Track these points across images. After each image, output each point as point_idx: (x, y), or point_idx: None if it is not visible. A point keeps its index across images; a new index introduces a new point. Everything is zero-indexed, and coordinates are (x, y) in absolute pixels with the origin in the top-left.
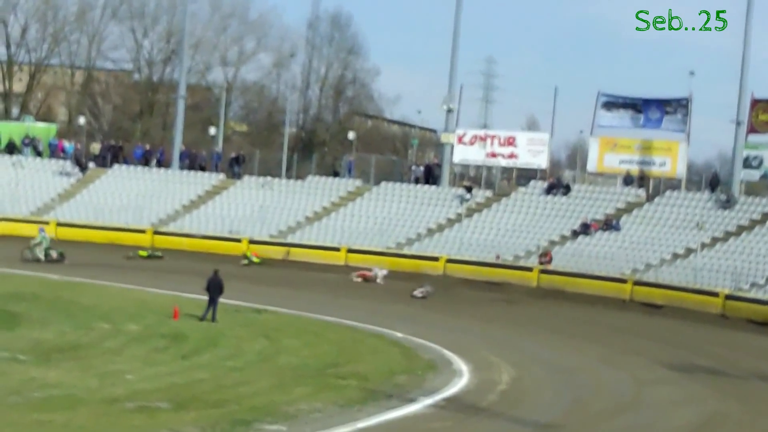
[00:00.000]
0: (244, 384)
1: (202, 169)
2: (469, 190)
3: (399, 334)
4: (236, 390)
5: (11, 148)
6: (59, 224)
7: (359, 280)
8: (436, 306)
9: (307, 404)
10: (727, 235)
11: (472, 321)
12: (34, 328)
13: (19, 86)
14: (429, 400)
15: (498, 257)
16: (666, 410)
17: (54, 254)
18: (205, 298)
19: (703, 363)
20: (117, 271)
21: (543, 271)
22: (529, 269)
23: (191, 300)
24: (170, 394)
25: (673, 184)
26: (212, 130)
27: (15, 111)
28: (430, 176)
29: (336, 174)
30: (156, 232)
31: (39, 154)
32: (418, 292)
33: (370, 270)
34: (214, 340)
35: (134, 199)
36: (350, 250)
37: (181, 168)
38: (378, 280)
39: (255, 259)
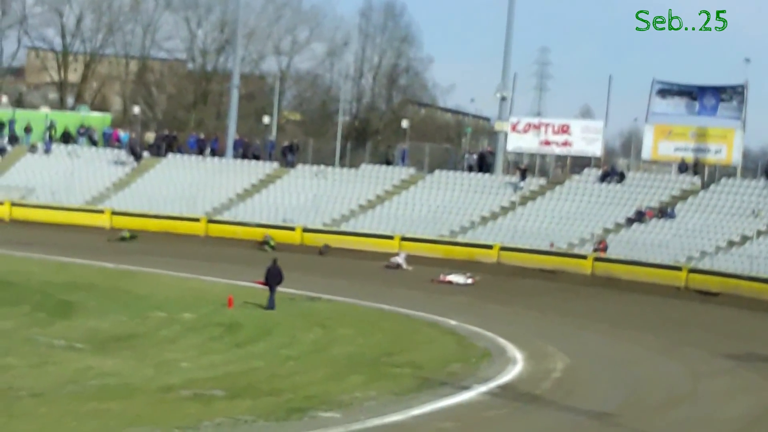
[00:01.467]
0: (299, 373)
1: (256, 158)
2: (523, 173)
3: (453, 323)
4: (291, 379)
5: (67, 138)
6: (114, 213)
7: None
8: (490, 295)
9: (362, 392)
10: None
11: (526, 309)
12: (91, 317)
13: (74, 76)
14: (483, 388)
15: (552, 245)
16: (723, 401)
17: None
18: (258, 286)
19: (760, 352)
20: (171, 260)
21: (597, 259)
22: (584, 257)
23: (246, 289)
24: (225, 383)
25: (728, 171)
26: (266, 119)
27: (70, 101)
28: (484, 164)
29: (389, 162)
30: (210, 221)
31: (94, 143)
32: (395, 261)
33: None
34: (268, 329)
35: (188, 188)
36: (404, 239)
37: (235, 157)
38: (403, 266)
39: (272, 242)
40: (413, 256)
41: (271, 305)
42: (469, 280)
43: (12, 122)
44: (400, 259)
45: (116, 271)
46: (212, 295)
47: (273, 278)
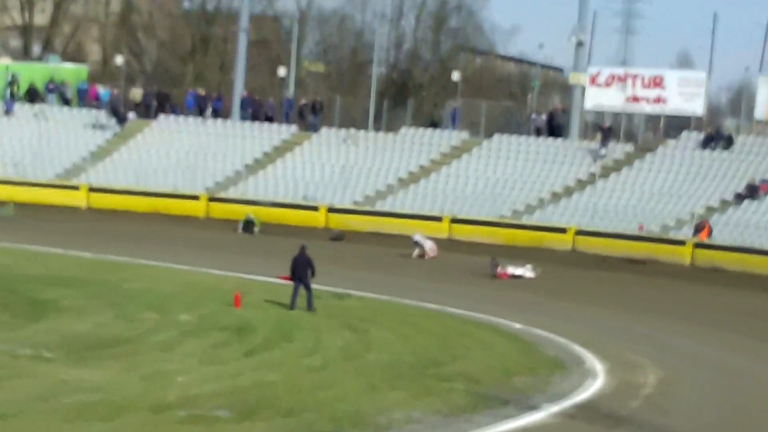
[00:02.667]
0: (324, 387)
1: (270, 120)
2: (605, 138)
3: (517, 325)
4: (315, 395)
5: (33, 96)
6: (92, 190)
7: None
8: (563, 290)
9: (403, 412)
10: None
11: (609, 309)
12: (66, 318)
13: (41, 18)
14: (555, 408)
15: (641, 228)
16: None
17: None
18: (279, 282)
19: None
20: (164, 248)
21: (698, 246)
22: (681, 243)
23: (258, 283)
24: (232, 400)
25: None
26: (282, 72)
27: (37, 49)
28: (555, 127)
29: (436, 125)
30: (212, 199)
31: (67, 102)
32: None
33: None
34: (286, 333)
35: (185, 158)
36: (455, 220)
37: (243, 119)
38: (427, 256)
39: (257, 223)
40: (465, 242)
41: (294, 304)
42: (533, 274)
43: None
44: (423, 243)
45: (97, 262)
46: (216, 292)
47: (302, 270)
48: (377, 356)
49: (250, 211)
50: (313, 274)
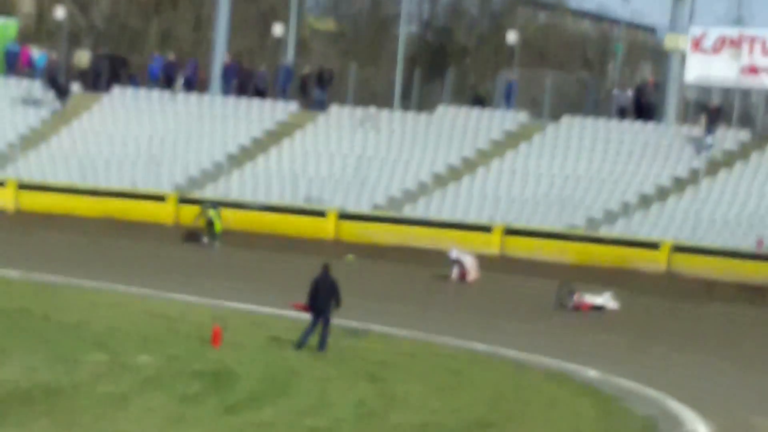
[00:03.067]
0: None
1: (261, 95)
2: (712, 122)
3: (592, 373)
4: None
5: None
6: (21, 186)
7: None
8: (655, 327)
9: None
10: None
11: (716, 353)
12: None
13: None
14: None
15: (761, 243)
16: None
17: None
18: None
19: None
20: (119, 267)
21: None
22: None
23: (242, 313)
24: None
25: None
26: (277, 30)
27: None
28: (645, 107)
29: (484, 103)
30: (183, 200)
31: None
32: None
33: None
34: (281, 384)
35: (147, 145)
36: (509, 232)
37: (226, 93)
38: (468, 278)
39: (217, 222)
40: (523, 261)
41: (306, 340)
42: (615, 304)
43: None
44: (463, 260)
45: (25, 284)
46: (186, 325)
47: (325, 298)
48: (404, 417)
49: (211, 213)
50: (338, 304)
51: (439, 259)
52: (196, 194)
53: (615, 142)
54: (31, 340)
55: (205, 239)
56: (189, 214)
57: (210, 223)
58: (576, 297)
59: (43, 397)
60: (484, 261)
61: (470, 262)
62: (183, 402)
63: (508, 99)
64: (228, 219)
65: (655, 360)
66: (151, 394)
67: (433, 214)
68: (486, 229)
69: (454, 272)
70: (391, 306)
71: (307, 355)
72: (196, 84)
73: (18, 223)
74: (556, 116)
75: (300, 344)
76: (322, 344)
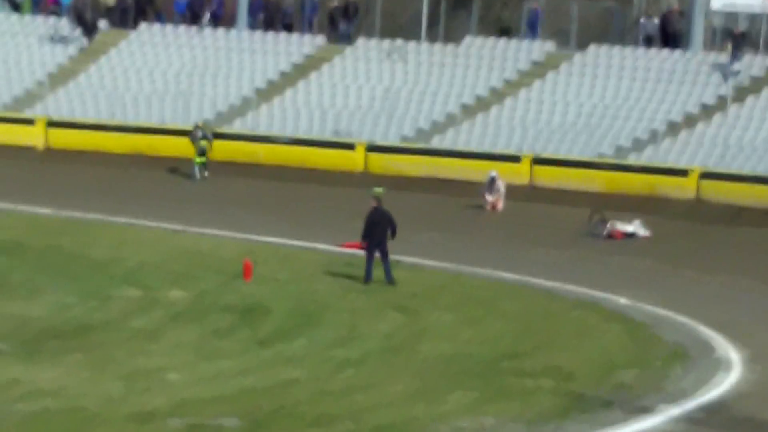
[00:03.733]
0: (363, 388)
1: (288, 28)
2: (738, 48)
3: (622, 301)
4: (351, 398)
5: None
6: (51, 124)
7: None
8: (685, 254)
9: (470, 420)
10: None
11: (747, 277)
12: (15, 297)
13: None
14: (675, 410)
15: None
16: None
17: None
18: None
19: None
20: (148, 202)
21: None
22: None
23: (273, 247)
24: (241, 406)
25: None
26: None
27: None
28: (671, 35)
29: (510, 33)
30: (212, 135)
31: (15, 8)
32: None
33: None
34: (312, 316)
35: (174, 81)
36: (538, 161)
37: (252, 28)
38: (498, 205)
39: (197, 160)
40: (552, 190)
41: (387, 276)
42: (646, 232)
43: None
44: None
45: (57, 221)
46: (217, 260)
47: (380, 232)
48: (434, 346)
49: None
50: (393, 234)
51: (467, 190)
52: (225, 129)
53: (642, 70)
54: (63, 277)
55: (197, 172)
56: (219, 150)
57: (202, 153)
58: (609, 225)
59: (76, 333)
60: (513, 190)
61: (503, 189)
62: (215, 336)
63: (534, 29)
64: (258, 152)
65: (686, 285)
66: (184, 328)
67: (461, 145)
68: (515, 158)
69: (489, 197)
70: (420, 237)
71: (338, 288)
72: (222, 18)
73: (48, 160)
74: (582, 45)
75: (368, 278)
76: (389, 277)
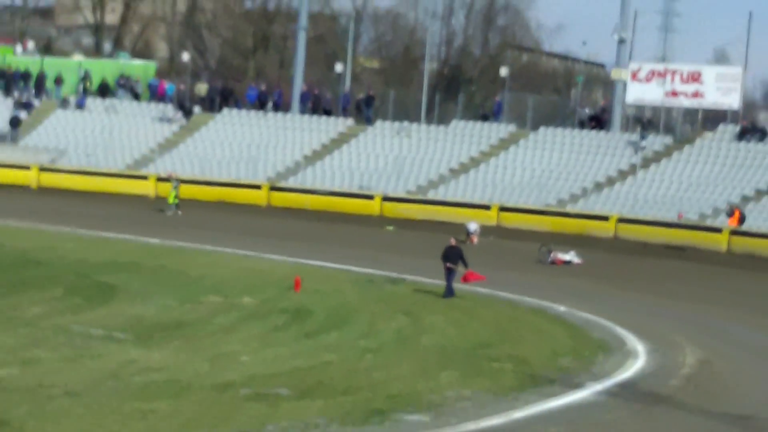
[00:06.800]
0: (379, 368)
1: (327, 113)
2: (645, 130)
3: (562, 309)
4: (370, 375)
5: (104, 91)
6: (159, 179)
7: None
8: (607, 276)
9: (455, 391)
10: None
11: (650, 294)
12: (134, 302)
13: (112, 17)
14: (599, 386)
15: (680, 216)
16: None
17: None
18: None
19: None
20: (228, 235)
21: (735, 233)
22: (718, 230)
23: (314, 268)
24: (292, 380)
25: None
26: (338, 67)
27: (108, 47)
28: (598, 120)
29: (485, 118)
30: (273, 188)
31: (136, 96)
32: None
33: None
34: (343, 317)
35: (247, 149)
36: (503, 209)
37: (302, 112)
38: (474, 240)
39: (171, 195)
40: (513, 230)
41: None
42: (579, 260)
43: (40, 72)
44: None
45: (163, 248)
46: (276, 277)
47: (452, 261)
48: (430, 340)
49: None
50: (465, 265)
51: (454, 229)
52: (282, 184)
53: (577, 145)
54: (167, 287)
55: (170, 210)
56: (278, 199)
57: (176, 196)
58: (552, 255)
59: (176, 327)
60: (485, 230)
61: (477, 230)
62: (274, 330)
63: (500, 115)
64: (305, 201)
65: (608, 298)
66: (252, 324)
67: (449, 197)
68: (487, 207)
69: (474, 237)
70: (420, 262)
71: (362, 297)
72: (281, 105)
73: (157, 205)
74: (535, 126)
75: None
76: (451, 291)
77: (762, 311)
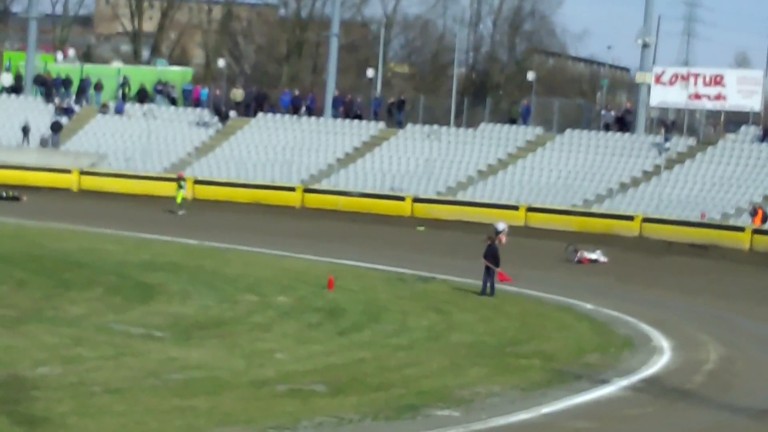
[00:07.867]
0: (410, 365)
1: (359, 117)
2: (668, 132)
3: (589, 306)
4: (402, 372)
5: (142, 96)
6: (197, 182)
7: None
8: (631, 274)
9: (484, 387)
10: None
11: (674, 291)
12: (173, 301)
13: (149, 25)
14: (624, 382)
15: (703, 216)
16: None
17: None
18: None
19: None
20: (263, 236)
21: (757, 232)
22: (740, 229)
23: (348, 268)
24: (326, 376)
25: None
26: (370, 73)
27: (146, 54)
28: (623, 123)
29: (513, 121)
30: (307, 190)
31: (173, 102)
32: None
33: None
34: (375, 315)
35: (281, 152)
36: (530, 209)
37: (335, 116)
38: (503, 240)
39: (179, 195)
40: (540, 229)
41: (492, 290)
42: (605, 258)
43: (82, 80)
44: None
45: (201, 249)
46: (311, 276)
47: (491, 260)
48: (460, 337)
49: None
50: (497, 264)
51: (483, 229)
52: (316, 186)
53: (603, 147)
54: (205, 287)
55: (179, 210)
56: (312, 200)
57: (183, 197)
58: (578, 254)
59: (214, 325)
60: (513, 230)
61: (506, 230)
62: (308, 328)
63: (528, 118)
64: (339, 202)
65: (633, 295)
66: (287, 322)
67: (478, 198)
68: (515, 207)
69: (499, 237)
70: (449, 261)
71: (394, 295)
72: (314, 110)
73: (195, 207)
74: (561, 129)
75: (482, 292)
76: (492, 290)
77: None
